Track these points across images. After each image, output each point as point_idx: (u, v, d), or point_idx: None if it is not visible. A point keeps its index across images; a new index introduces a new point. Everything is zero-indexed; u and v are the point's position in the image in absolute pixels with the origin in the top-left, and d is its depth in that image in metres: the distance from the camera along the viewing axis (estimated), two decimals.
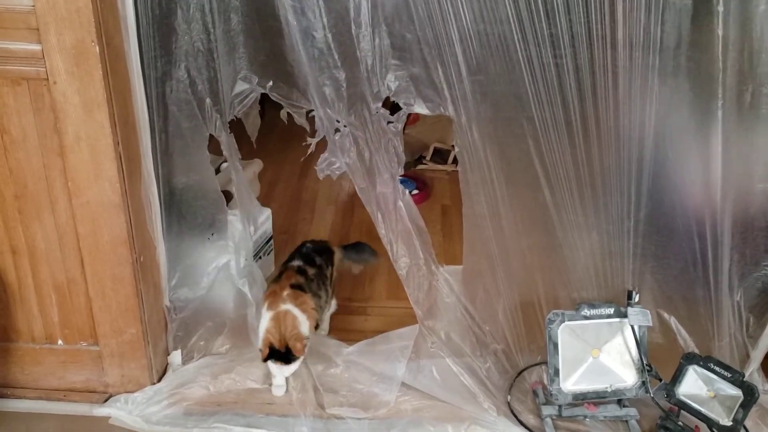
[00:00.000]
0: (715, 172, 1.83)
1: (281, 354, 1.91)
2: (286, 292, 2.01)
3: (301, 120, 2.07)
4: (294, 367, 1.96)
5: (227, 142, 2.06)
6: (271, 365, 1.96)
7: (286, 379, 2.04)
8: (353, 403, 2.01)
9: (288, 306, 1.98)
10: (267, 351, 1.91)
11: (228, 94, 2.03)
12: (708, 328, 2.00)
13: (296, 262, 2.14)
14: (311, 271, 2.13)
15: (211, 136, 2.01)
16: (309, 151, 2.07)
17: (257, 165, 2.57)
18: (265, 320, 1.97)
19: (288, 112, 2.06)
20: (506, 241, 1.98)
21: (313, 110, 1.94)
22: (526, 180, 1.90)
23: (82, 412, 2.00)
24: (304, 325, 1.98)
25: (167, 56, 1.84)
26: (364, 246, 2.44)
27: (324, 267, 2.20)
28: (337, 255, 2.31)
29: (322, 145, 1.99)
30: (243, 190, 2.23)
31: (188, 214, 2.06)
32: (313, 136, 2.00)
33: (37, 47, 1.64)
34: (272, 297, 2.01)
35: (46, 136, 1.74)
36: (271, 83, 2.01)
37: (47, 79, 1.67)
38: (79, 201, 1.80)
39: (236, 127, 2.14)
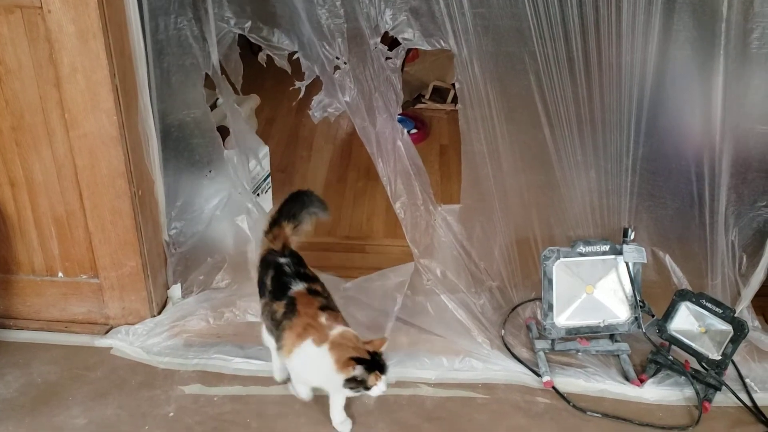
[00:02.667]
0: (715, 112, 1.83)
1: (374, 362, 1.61)
2: (323, 317, 1.70)
3: (282, 62, 1.97)
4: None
5: (221, 82, 2.04)
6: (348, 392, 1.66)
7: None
8: None
9: (339, 328, 1.68)
10: (354, 363, 1.59)
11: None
12: (702, 267, 2.03)
13: (299, 286, 1.77)
14: (317, 286, 1.82)
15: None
16: (300, 96, 1.99)
17: (254, 101, 2.54)
18: (324, 355, 1.62)
19: (267, 54, 1.97)
20: (504, 178, 1.99)
21: (297, 52, 1.90)
22: (526, 117, 1.89)
23: (83, 342, 2.04)
24: None
25: None
26: (298, 200, 1.96)
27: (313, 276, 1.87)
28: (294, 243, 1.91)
29: (313, 86, 1.94)
30: (241, 126, 2.21)
31: (186, 151, 2.06)
32: (301, 79, 1.95)
33: None
34: (312, 331, 1.66)
35: (42, 67, 1.72)
36: (249, 24, 1.93)
37: (41, 7, 1.64)
38: (76, 133, 1.80)
39: None
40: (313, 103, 1.95)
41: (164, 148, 1.98)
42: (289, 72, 1.98)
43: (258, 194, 2.47)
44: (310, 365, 1.68)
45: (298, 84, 1.96)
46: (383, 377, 1.62)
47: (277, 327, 1.75)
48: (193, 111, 2.00)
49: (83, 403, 1.85)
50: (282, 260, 1.82)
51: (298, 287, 1.77)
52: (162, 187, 2.02)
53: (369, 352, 1.61)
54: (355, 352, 1.61)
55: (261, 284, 1.85)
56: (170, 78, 1.92)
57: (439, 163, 2.93)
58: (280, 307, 1.75)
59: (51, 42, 1.68)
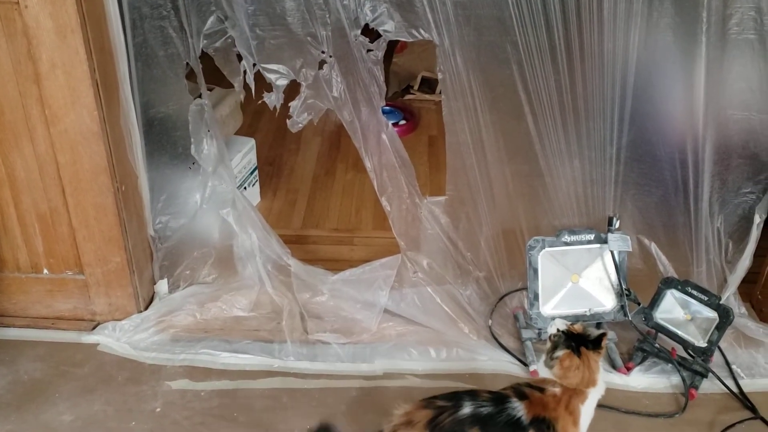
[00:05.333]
0: (698, 98, 1.83)
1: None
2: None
3: (249, 77, 1.90)
4: None
5: (201, 74, 2.02)
6: None
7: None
8: (337, 329, 2.05)
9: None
10: None
11: (197, 24, 1.95)
12: (687, 254, 2.03)
13: (519, 406, 1.47)
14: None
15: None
16: (277, 111, 1.92)
17: (238, 94, 2.51)
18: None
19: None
20: (489, 169, 1.99)
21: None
22: (509, 107, 1.89)
23: (70, 339, 2.03)
24: None
25: None
26: None
27: None
28: None
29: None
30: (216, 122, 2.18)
31: (168, 144, 2.05)
32: (268, 90, 1.88)
33: None
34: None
35: (20, 63, 1.71)
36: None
37: (18, 2, 1.63)
38: (57, 129, 1.79)
39: None
40: (292, 110, 1.91)
41: (147, 142, 1.97)
42: (252, 91, 1.91)
43: (245, 188, 2.46)
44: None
45: (266, 98, 1.90)
46: None
47: None
48: (175, 103, 1.99)
49: (70, 400, 1.84)
50: (466, 410, 1.44)
51: (520, 408, 1.46)
52: (146, 182, 2.01)
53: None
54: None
55: None
56: (151, 70, 1.91)
57: (428, 155, 2.93)
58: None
59: (29, 38, 1.67)
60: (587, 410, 1.52)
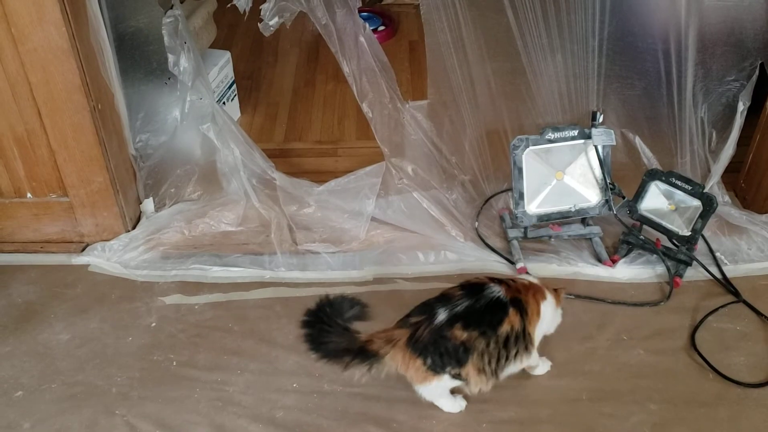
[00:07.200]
0: None
1: None
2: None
3: None
4: None
5: None
6: None
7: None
8: (326, 239, 2.07)
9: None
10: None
11: None
12: (671, 146, 2.03)
13: (500, 289, 1.51)
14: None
15: None
16: (245, 15, 1.86)
17: (211, 4, 2.43)
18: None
19: None
20: (470, 69, 1.95)
21: None
22: (488, 2, 1.83)
23: (60, 261, 2.04)
24: None
25: None
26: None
27: None
28: None
29: None
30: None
31: (142, 59, 1.99)
32: None
33: None
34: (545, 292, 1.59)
35: None
36: None
37: None
38: (25, 48, 1.73)
39: None
40: (263, 13, 1.84)
41: (120, 58, 1.92)
42: None
43: (224, 103, 2.42)
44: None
45: (235, 1, 1.81)
46: None
47: (525, 338, 1.52)
48: (145, 16, 1.93)
49: (65, 320, 1.87)
50: (441, 317, 1.46)
51: (498, 289, 1.50)
52: (122, 99, 1.97)
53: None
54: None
55: (447, 355, 1.47)
56: None
57: (410, 60, 2.87)
58: (514, 322, 1.49)
59: None
60: (546, 310, 1.56)
